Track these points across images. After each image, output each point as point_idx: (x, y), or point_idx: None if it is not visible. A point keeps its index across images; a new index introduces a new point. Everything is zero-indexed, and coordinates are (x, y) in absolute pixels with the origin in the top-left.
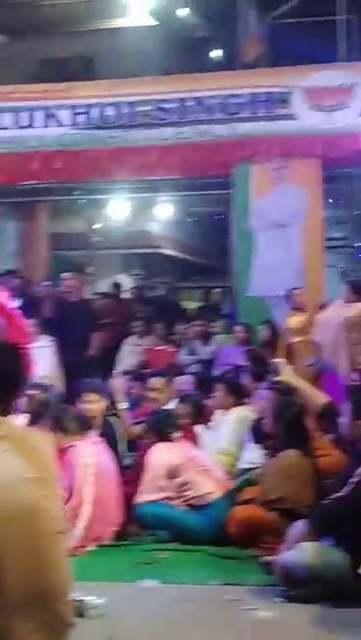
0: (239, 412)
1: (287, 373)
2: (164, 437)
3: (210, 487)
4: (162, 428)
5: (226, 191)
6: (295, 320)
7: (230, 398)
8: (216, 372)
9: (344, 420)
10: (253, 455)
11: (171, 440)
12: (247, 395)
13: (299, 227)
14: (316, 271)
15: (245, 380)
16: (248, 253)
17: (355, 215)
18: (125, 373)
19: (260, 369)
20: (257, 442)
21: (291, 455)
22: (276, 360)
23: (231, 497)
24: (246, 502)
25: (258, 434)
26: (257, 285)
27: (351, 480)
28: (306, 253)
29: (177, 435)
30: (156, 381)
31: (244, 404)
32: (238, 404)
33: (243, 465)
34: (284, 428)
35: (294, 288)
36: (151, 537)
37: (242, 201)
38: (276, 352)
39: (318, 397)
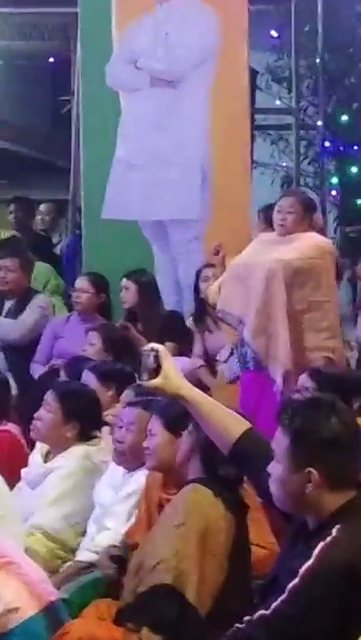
0: (80, 458)
1: (170, 374)
2: None
3: (16, 598)
4: None
5: (62, 10)
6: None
7: (71, 429)
8: (36, 367)
9: (275, 469)
10: (108, 534)
11: None
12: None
13: (203, 86)
14: (236, 175)
15: (92, 384)
16: (104, 138)
17: (310, 64)
18: None
19: (120, 365)
20: None
21: (196, 490)
22: (153, 347)
23: (57, 615)
24: None
25: None
26: (119, 202)
27: (291, 584)
28: (216, 138)
29: None
30: None
31: (93, 438)
32: (87, 437)
33: (83, 555)
34: (199, 457)
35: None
36: None
37: (93, 31)
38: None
39: (230, 422)
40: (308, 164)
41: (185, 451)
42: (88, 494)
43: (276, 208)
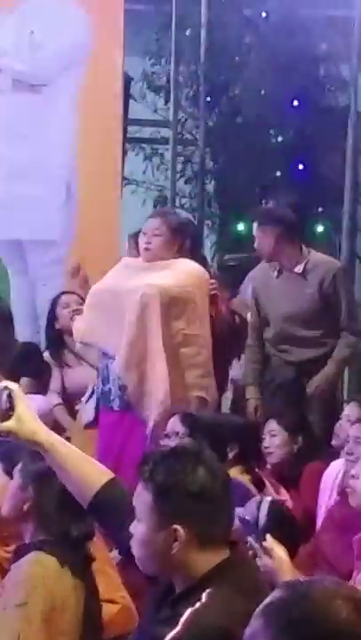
0: None
1: (25, 417)
2: None
3: None
4: None
5: None
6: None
7: None
8: None
9: (137, 529)
10: None
11: None
12: None
13: (71, 92)
14: (104, 192)
15: None
16: None
17: (190, 72)
18: None
19: None
20: None
21: (38, 563)
22: (6, 385)
23: None
24: None
25: None
26: None
27: None
28: (84, 151)
29: None
30: None
31: None
32: None
33: None
34: (37, 523)
35: None
36: None
37: None
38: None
39: (90, 472)
40: (185, 182)
41: (15, 507)
42: None
43: (142, 230)
